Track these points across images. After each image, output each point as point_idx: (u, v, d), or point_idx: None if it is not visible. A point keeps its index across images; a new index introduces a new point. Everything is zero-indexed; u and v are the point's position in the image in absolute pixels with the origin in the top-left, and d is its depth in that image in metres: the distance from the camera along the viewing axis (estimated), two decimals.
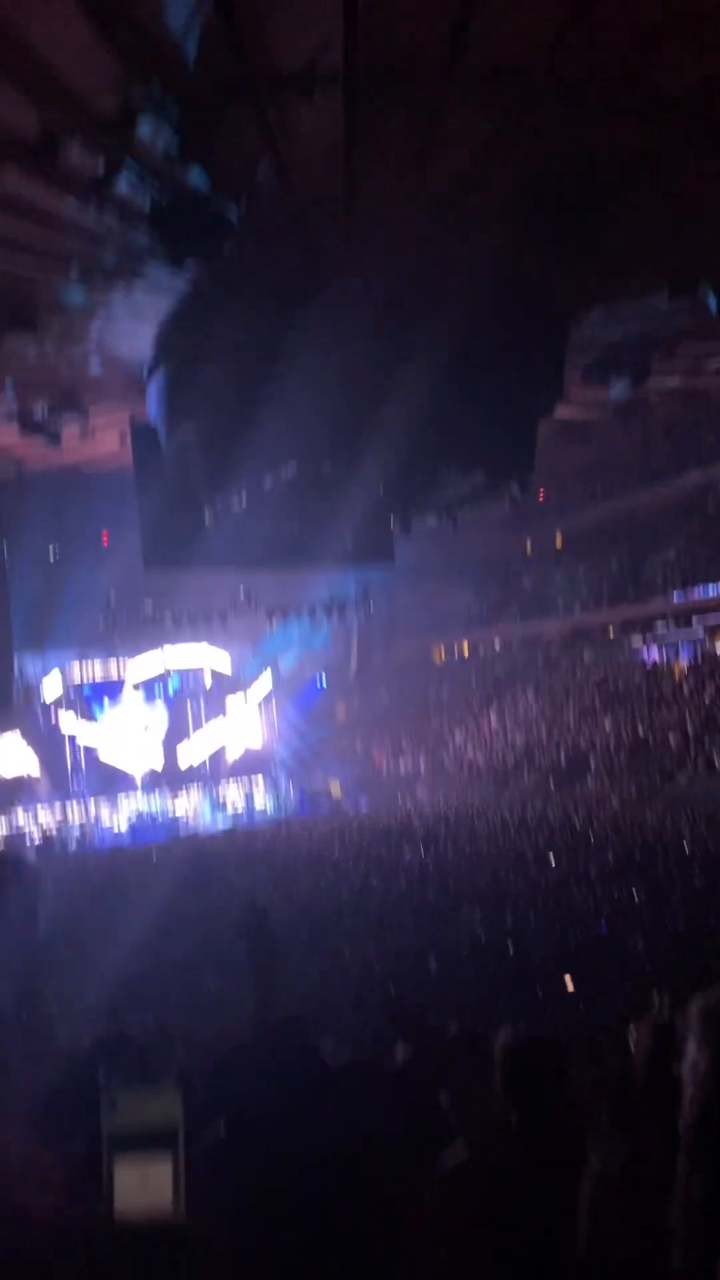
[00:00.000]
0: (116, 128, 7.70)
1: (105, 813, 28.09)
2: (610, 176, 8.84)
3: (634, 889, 12.98)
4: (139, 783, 29.87)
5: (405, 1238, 1.23)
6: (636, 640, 30.02)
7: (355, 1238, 1.04)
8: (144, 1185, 0.83)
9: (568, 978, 9.03)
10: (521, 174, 8.97)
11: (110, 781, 29.26)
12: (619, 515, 32.07)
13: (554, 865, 15.45)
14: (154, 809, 28.58)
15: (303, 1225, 0.98)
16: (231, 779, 31.41)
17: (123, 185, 8.61)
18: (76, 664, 29.53)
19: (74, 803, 28.30)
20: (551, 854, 16.32)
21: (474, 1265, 1.43)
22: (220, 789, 30.49)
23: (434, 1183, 1.71)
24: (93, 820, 27.69)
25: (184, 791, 29.87)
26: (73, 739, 29.36)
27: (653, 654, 29.00)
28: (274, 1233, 0.82)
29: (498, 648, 35.80)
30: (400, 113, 8.06)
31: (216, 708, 31.93)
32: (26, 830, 26.56)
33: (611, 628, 31.43)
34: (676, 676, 27.43)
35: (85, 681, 29.79)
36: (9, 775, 27.71)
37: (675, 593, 28.62)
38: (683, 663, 27.69)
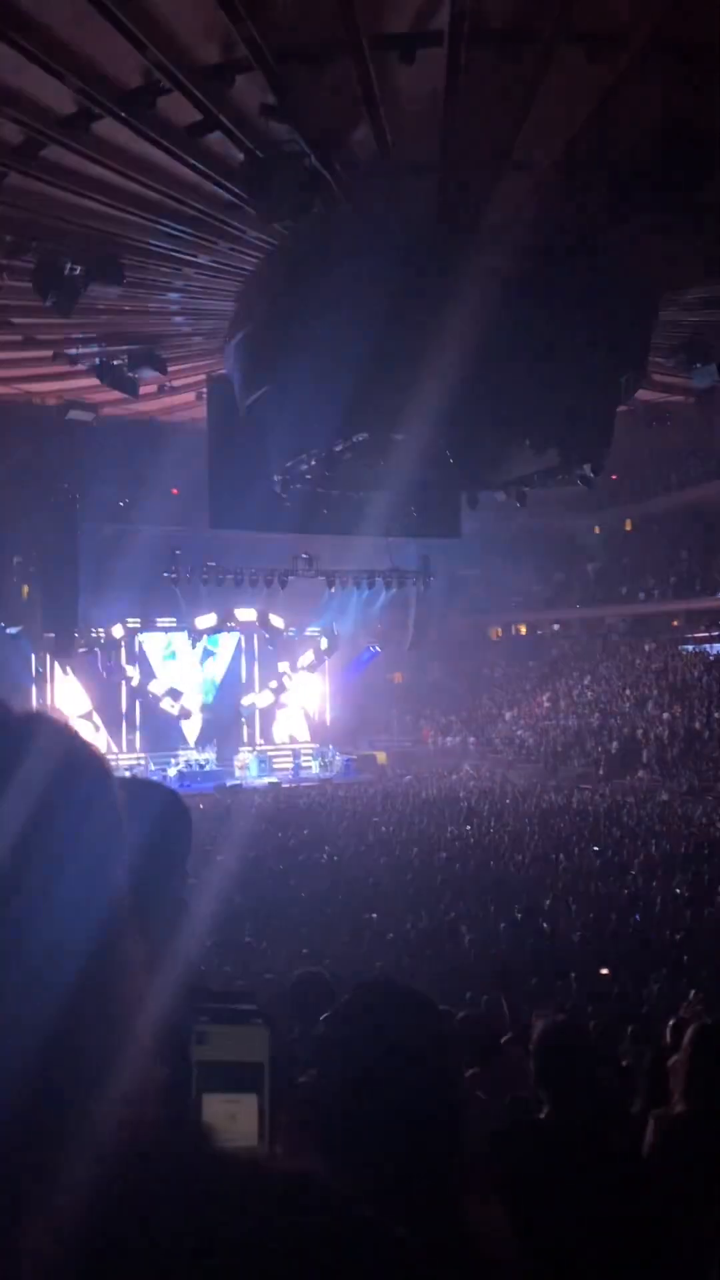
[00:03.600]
0: (215, 79, 7.67)
1: (155, 760, 28.65)
2: (712, 149, 8.56)
3: (677, 882, 12.88)
4: (190, 734, 30.37)
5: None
6: (701, 633, 29.46)
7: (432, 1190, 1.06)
8: (230, 1121, 0.86)
9: (604, 971, 9.01)
10: (620, 144, 8.75)
11: (163, 730, 29.79)
12: (692, 504, 31.39)
13: (598, 851, 15.38)
14: (203, 760, 29.05)
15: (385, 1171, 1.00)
16: (280, 738, 31.75)
17: (217, 138, 8.60)
18: (139, 614, 29.95)
19: (126, 749, 28.89)
20: (596, 841, 16.24)
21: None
22: (268, 747, 30.85)
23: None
24: (143, 766, 28.25)
25: (232, 746, 30.31)
26: (129, 687, 29.89)
27: (716, 648, 28.45)
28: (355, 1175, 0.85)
29: (556, 630, 35.42)
30: (500, 78, 7.90)
31: (271, 667, 32.23)
32: None
33: (676, 619, 30.87)
34: None
35: (146, 632, 30.25)
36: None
37: None
38: None
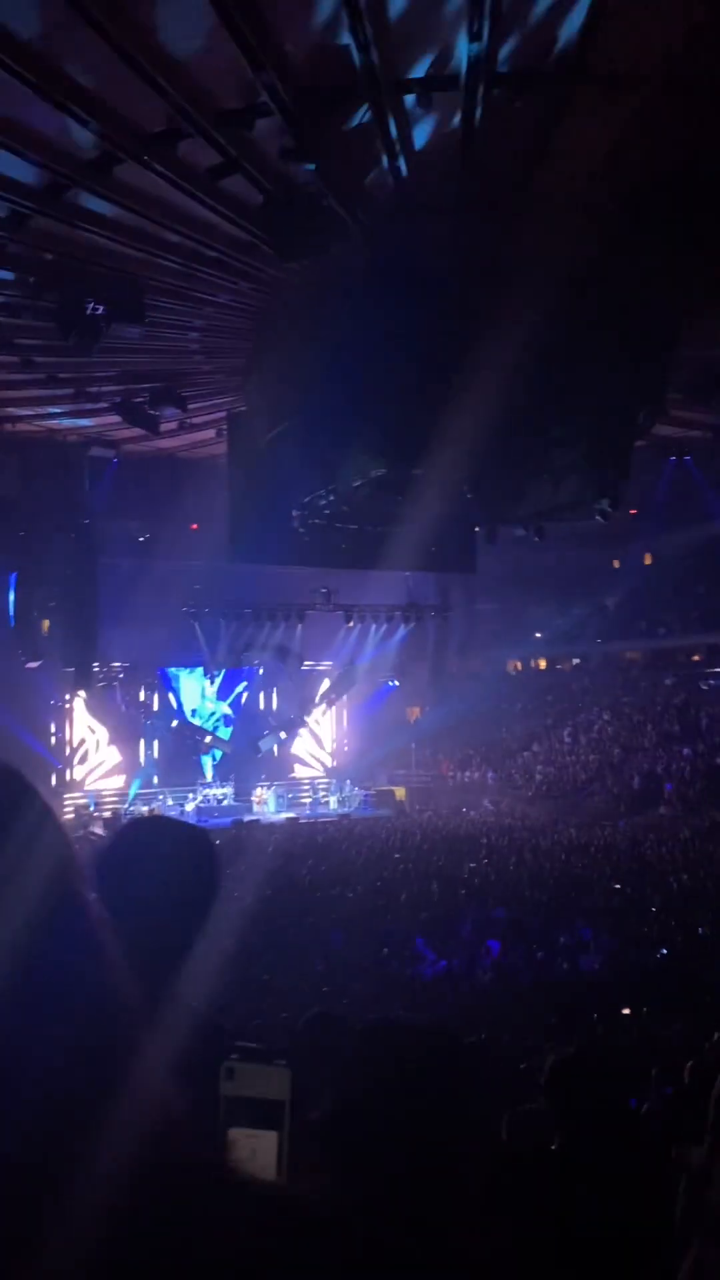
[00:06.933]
0: (236, 123, 7.82)
1: (173, 795, 28.60)
2: None
3: (699, 921, 12.66)
4: (208, 769, 30.30)
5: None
6: None
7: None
8: (251, 1155, 0.90)
9: (625, 1010, 8.85)
10: (636, 182, 8.84)
11: (181, 765, 29.74)
12: (711, 538, 31.31)
13: (619, 889, 15.17)
14: (220, 795, 28.97)
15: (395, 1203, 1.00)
16: (298, 773, 31.63)
17: (236, 180, 8.76)
18: (158, 648, 30.04)
19: (143, 784, 28.88)
20: (617, 878, 16.02)
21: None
22: (287, 781, 30.72)
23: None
24: (160, 801, 28.19)
25: (250, 781, 30.21)
26: (147, 722, 29.90)
27: None
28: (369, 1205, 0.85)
29: (576, 664, 35.26)
30: (518, 119, 8.02)
31: (289, 701, 32.19)
32: (95, 807, 27.16)
33: (696, 653, 30.67)
34: None
35: (164, 666, 30.32)
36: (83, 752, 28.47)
37: None
38: None
